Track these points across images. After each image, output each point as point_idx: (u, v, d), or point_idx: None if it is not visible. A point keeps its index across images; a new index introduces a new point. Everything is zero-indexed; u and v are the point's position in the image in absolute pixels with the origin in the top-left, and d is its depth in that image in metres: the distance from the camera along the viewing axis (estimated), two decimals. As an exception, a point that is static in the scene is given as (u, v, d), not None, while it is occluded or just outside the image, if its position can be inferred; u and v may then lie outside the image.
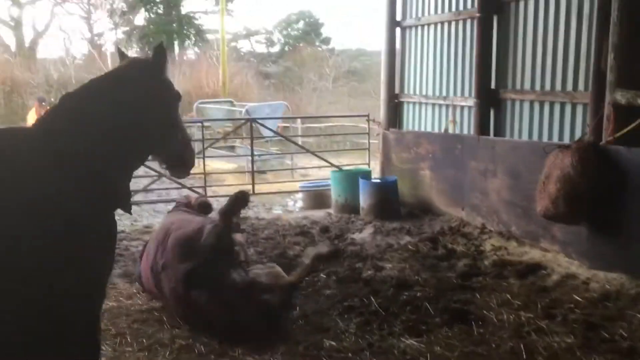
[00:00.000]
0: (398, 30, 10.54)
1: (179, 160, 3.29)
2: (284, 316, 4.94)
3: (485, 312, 5.09)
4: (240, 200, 5.14)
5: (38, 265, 2.46)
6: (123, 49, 3.32)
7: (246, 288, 4.70)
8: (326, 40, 40.31)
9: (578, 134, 6.91)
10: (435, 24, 9.66)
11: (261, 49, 41.61)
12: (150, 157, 3.28)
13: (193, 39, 37.24)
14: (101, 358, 3.04)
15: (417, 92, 10.26)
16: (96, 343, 2.83)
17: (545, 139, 7.53)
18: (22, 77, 24.12)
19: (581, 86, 7.02)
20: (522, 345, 4.40)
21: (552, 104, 7.49)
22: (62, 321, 2.59)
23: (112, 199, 2.82)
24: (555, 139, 7.33)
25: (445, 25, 9.45)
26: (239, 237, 5.65)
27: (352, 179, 9.45)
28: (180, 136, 3.23)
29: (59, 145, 2.64)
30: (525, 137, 7.91)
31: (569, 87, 7.20)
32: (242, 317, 4.63)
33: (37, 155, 2.59)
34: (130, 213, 3.09)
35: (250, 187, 10.54)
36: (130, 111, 2.90)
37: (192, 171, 3.51)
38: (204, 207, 6.10)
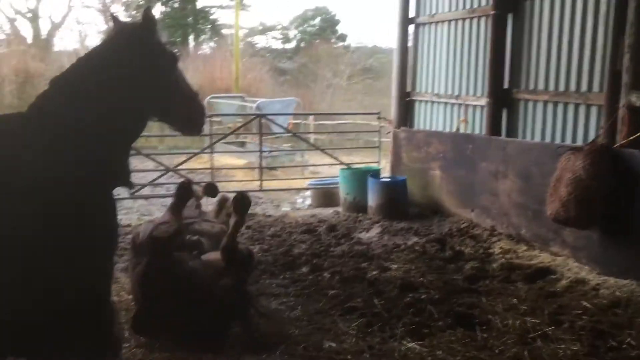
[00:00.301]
0: (412, 27, 10.42)
1: (187, 120, 3.24)
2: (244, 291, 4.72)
3: (490, 316, 4.97)
4: (183, 191, 5.04)
5: (38, 247, 2.40)
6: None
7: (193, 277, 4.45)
8: (342, 37, 40.15)
9: (591, 136, 6.77)
10: (449, 21, 9.53)
11: (277, 44, 41.59)
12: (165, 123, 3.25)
13: (208, 33, 37.28)
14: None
15: (429, 90, 10.13)
16: (105, 322, 2.75)
17: (558, 140, 7.38)
18: (36, 69, 24.24)
19: (596, 87, 6.87)
20: (526, 352, 4.28)
21: (565, 105, 7.34)
22: (63, 299, 2.51)
23: (109, 175, 2.77)
24: (568, 141, 7.18)
25: (459, 23, 9.31)
26: (218, 227, 5.42)
27: (361, 177, 9.35)
28: (184, 96, 3.16)
29: (50, 127, 2.59)
30: (537, 138, 7.77)
31: (584, 88, 7.05)
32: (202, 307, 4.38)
33: (30, 138, 2.53)
34: (132, 187, 3.04)
35: (258, 183, 10.47)
36: (122, 80, 2.84)
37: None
38: (210, 191, 5.99)
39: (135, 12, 33.89)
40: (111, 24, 3.13)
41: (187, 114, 3.21)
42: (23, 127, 2.58)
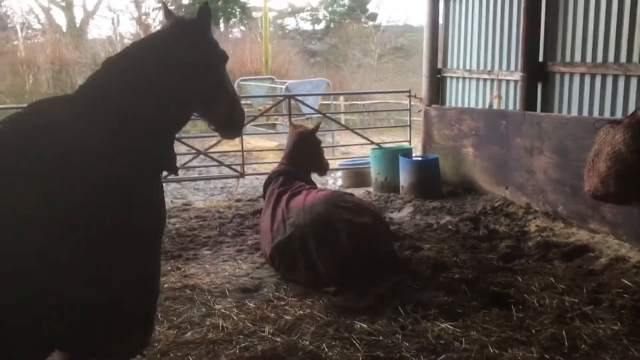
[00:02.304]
0: (442, 2, 10.17)
1: (228, 121, 3.23)
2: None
3: (526, 296, 4.85)
4: None
5: (86, 232, 2.34)
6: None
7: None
8: (372, 16, 39.65)
9: (631, 108, 6.49)
10: (481, -6, 9.26)
11: (306, 26, 41.32)
12: (201, 119, 3.27)
13: (238, 16, 37.20)
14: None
15: (461, 66, 9.90)
16: (149, 317, 2.70)
17: (596, 114, 7.13)
18: (70, 57, 24.60)
19: (636, 58, 6.59)
20: (564, 332, 4.15)
21: (604, 77, 7.07)
22: (111, 293, 2.45)
23: (156, 162, 2.75)
24: (607, 114, 6.93)
25: (491, -5, 9.03)
26: None
27: (392, 157, 9.22)
28: (228, 97, 3.16)
29: (100, 110, 2.56)
30: (574, 112, 7.51)
31: (623, 58, 6.77)
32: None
33: (79, 121, 2.50)
34: (177, 173, 3.04)
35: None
36: (174, 72, 2.81)
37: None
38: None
39: (171, 3, 34.04)
40: (163, 17, 3.10)
41: (229, 114, 3.21)
42: (72, 109, 2.54)
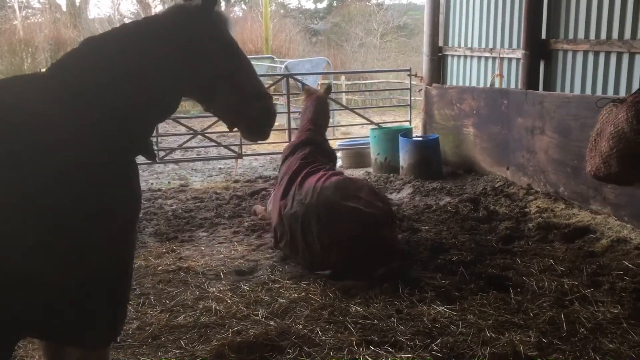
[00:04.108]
0: (443, -22, 9.96)
1: (239, 120, 2.87)
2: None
3: (525, 278, 4.77)
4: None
5: (54, 216, 2.23)
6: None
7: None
8: (375, -6, 39.13)
9: (635, 86, 6.35)
10: (483, -30, 9.05)
11: (309, 4, 40.90)
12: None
13: (239, -5, 36.82)
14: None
15: (462, 44, 9.72)
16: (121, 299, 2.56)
17: (599, 92, 6.98)
18: (68, 36, 24.36)
19: (640, 34, 6.43)
20: (562, 315, 4.07)
21: (607, 55, 6.90)
22: (81, 279, 2.34)
23: (131, 146, 2.56)
24: (610, 93, 6.78)
25: (493, -28, 8.83)
26: None
27: (391, 137, 9.10)
28: (241, 92, 2.78)
29: (72, 89, 2.41)
30: (577, 91, 7.36)
31: (627, 35, 6.60)
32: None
33: (49, 99, 2.36)
34: (155, 160, 2.84)
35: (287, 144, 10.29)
36: (162, 60, 2.59)
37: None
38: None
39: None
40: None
41: (240, 111, 2.84)
42: (44, 90, 2.40)
